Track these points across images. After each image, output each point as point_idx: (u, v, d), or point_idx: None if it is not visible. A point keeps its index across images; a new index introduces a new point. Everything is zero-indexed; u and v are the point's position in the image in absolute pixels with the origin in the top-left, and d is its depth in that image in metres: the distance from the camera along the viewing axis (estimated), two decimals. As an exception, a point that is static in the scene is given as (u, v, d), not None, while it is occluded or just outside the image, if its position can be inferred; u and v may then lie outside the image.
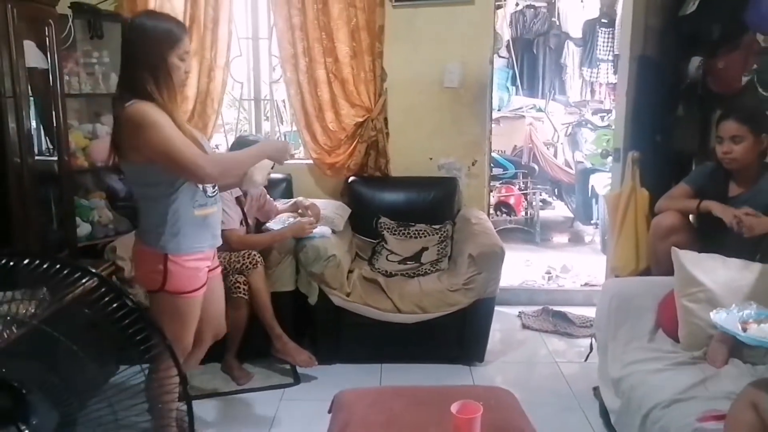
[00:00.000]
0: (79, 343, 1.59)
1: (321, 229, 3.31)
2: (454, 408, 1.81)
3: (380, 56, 3.77)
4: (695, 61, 3.19)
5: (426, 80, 3.87)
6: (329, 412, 2.16)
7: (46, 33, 3.04)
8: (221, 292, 2.48)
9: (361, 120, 3.84)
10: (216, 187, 2.25)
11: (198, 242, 2.16)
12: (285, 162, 2.40)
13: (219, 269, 2.42)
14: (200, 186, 2.14)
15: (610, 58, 6.38)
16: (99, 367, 1.60)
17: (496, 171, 5.43)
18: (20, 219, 2.80)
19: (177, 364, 1.58)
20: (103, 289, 1.41)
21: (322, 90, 3.81)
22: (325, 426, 2.07)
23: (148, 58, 2.04)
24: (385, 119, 3.88)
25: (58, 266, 1.39)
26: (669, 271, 2.51)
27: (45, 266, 1.40)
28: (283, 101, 4.29)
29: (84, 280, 1.47)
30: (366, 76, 3.79)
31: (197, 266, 2.18)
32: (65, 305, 1.78)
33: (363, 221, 3.81)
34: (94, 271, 1.44)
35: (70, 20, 3.38)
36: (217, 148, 4.23)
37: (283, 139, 4.24)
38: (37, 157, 3.03)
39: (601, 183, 5.01)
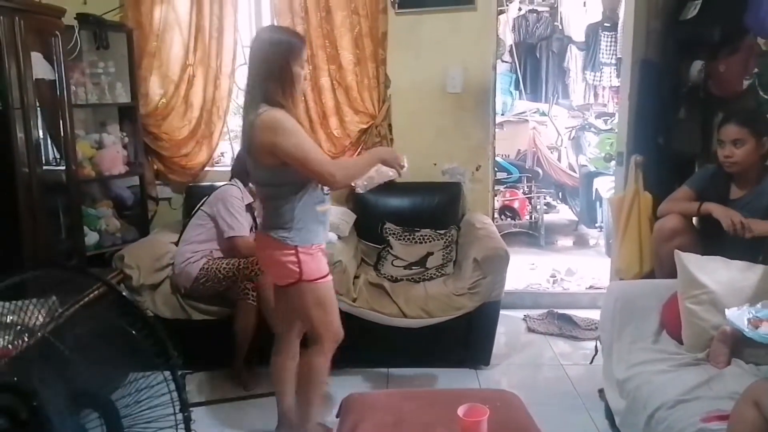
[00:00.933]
0: (88, 350, 1.62)
1: (327, 235, 3.33)
2: (461, 411, 1.83)
3: (383, 63, 3.81)
4: (697, 65, 3.20)
5: (429, 86, 3.90)
6: (337, 416, 2.18)
7: (53, 44, 3.09)
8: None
9: (365, 126, 3.87)
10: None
11: (317, 237, 2.36)
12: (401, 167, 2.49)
13: None
14: (319, 185, 2.32)
15: (613, 61, 6.38)
16: (109, 374, 1.63)
17: (500, 175, 5.45)
18: (29, 228, 2.84)
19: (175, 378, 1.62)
20: (111, 297, 1.43)
21: (326, 97, 3.84)
22: (333, 429, 2.09)
23: (275, 68, 2.22)
24: (389, 125, 3.90)
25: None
26: (672, 273, 2.53)
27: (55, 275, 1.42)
28: (288, 108, 4.32)
29: (93, 288, 1.49)
30: (370, 82, 3.82)
31: (322, 257, 2.40)
32: (75, 313, 1.81)
33: (368, 227, 3.83)
34: (104, 279, 1.46)
35: (76, 31, 3.42)
36: (223, 156, 4.27)
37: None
38: (44, 167, 3.07)
39: (605, 186, 5.02)
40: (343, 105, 3.85)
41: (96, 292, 1.72)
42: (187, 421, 1.54)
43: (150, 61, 3.79)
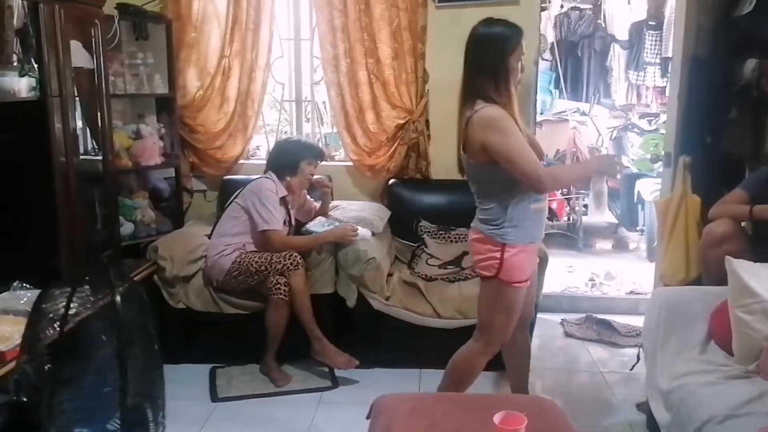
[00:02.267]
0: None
1: (361, 232, 3.29)
2: (497, 419, 1.76)
3: (422, 57, 3.73)
4: (750, 63, 3.08)
5: (468, 82, 3.81)
6: (368, 417, 2.12)
7: (92, 33, 3.08)
8: (535, 279, 2.56)
9: (402, 122, 3.80)
10: None
11: (532, 234, 2.34)
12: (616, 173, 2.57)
13: None
14: None
15: (658, 61, 6.22)
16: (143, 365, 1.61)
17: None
18: (66, 218, 2.84)
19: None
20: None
21: (363, 91, 3.79)
22: (364, 430, 2.03)
23: (488, 63, 2.24)
24: (427, 121, 3.83)
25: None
26: (720, 280, 2.42)
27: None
28: (324, 103, 4.29)
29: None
30: (408, 77, 3.75)
31: (529, 259, 2.37)
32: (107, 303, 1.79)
33: (403, 224, 3.77)
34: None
35: (116, 21, 3.42)
36: (258, 149, 4.25)
37: (323, 140, 4.23)
38: (81, 157, 3.07)
39: (648, 189, 4.88)
40: (381, 99, 3.79)
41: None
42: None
43: (188, 52, 3.78)
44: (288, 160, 3.31)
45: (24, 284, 2.31)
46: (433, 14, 3.72)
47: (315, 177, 3.43)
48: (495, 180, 2.27)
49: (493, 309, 2.38)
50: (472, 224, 2.42)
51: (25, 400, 1.24)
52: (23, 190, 2.72)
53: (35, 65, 2.64)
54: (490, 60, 2.24)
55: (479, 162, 2.26)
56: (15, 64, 2.61)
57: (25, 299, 2.06)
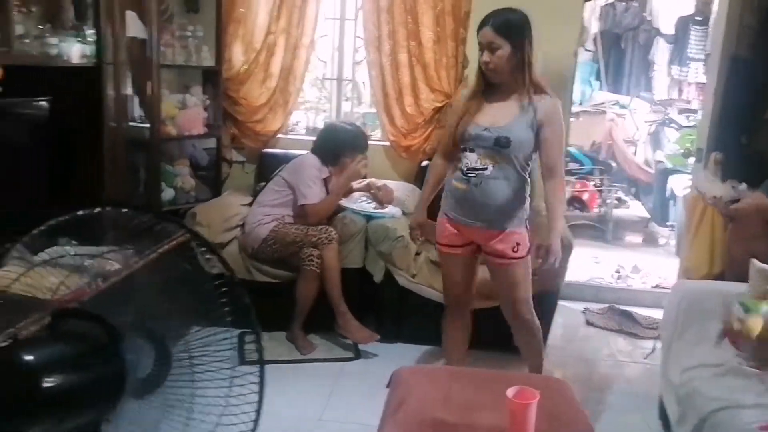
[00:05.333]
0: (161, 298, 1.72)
1: (391, 210, 3.38)
2: (510, 392, 1.83)
3: (463, 42, 3.77)
4: (792, 64, 3.06)
5: (506, 69, 3.83)
6: (387, 386, 2.22)
7: (147, 4, 3.19)
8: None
9: (439, 105, 3.86)
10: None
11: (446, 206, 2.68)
12: None
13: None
14: None
15: (702, 57, 6.13)
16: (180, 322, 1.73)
17: (572, 166, 5.35)
18: (111, 180, 2.98)
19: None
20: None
21: (403, 73, 3.85)
22: (381, 400, 2.11)
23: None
24: (463, 106, 3.88)
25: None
26: (744, 277, 2.45)
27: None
28: (363, 83, 4.36)
29: (176, 235, 1.59)
30: (448, 61, 3.80)
31: (442, 228, 2.72)
32: (153, 260, 1.91)
33: (433, 206, 3.83)
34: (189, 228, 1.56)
35: (170, -7, 3.54)
36: (297, 125, 4.35)
37: (361, 120, 4.30)
38: (130, 123, 3.21)
39: (681, 184, 4.86)
40: (420, 82, 3.85)
41: (174, 242, 1.82)
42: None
43: (236, 27, 3.88)
44: (332, 150, 3.41)
45: (72, 240, 2.46)
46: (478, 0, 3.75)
47: (381, 182, 3.57)
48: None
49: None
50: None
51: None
52: (74, 151, 2.85)
53: (87, 32, 2.76)
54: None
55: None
56: (70, 30, 2.74)
57: (73, 253, 2.19)
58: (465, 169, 2.44)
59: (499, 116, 2.41)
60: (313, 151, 3.44)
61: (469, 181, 2.44)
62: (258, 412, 1.71)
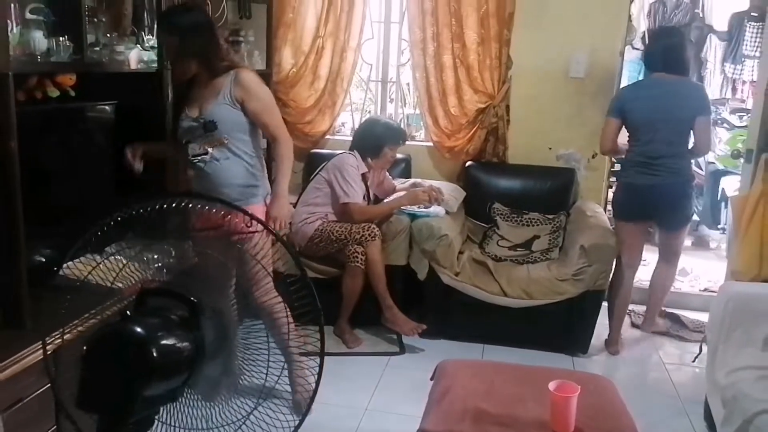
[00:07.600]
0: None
1: (435, 209, 3.44)
2: (552, 386, 1.88)
3: (507, 44, 3.80)
4: None
5: (551, 69, 3.86)
6: (431, 379, 2.28)
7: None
8: None
9: (483, 106, 3.90)
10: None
11: None
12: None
13: None
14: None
15: (758, 54, 5.95)
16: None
17: (617, 166, 5.28)
18: (171, 176, 3.09)
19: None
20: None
21: (447, 75, 3.90)
22: (425, 393, 2.18)
23: None
24: (507, 106, 3.91)
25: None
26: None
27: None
28: (408, 84, 4.42)
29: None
30: (491, 63, 3.84)
31: None
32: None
33: (477, 205, 3.89)
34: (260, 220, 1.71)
35: (225, 0, 3.66)
36: (343, 126, 4.44)
37: (405, 121, 4.37)
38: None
39: (733, 186, 4.76)
40: (463, 83, 3.90)
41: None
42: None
43: (285, 31, 3.99)
44: (372, 143, 3.49)
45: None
46: (521, 1, 3.77)
47: (427, 183, 3.66)
48: None
49: None
50: None
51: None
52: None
53: (146, 39, 2.89)
54: None
55: None
56: (131, 36, 2.87)
57: (139, 247, 2.32)
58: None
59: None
60: (353, 147, 3.52)
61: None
62: (312, 399, 1.81)
